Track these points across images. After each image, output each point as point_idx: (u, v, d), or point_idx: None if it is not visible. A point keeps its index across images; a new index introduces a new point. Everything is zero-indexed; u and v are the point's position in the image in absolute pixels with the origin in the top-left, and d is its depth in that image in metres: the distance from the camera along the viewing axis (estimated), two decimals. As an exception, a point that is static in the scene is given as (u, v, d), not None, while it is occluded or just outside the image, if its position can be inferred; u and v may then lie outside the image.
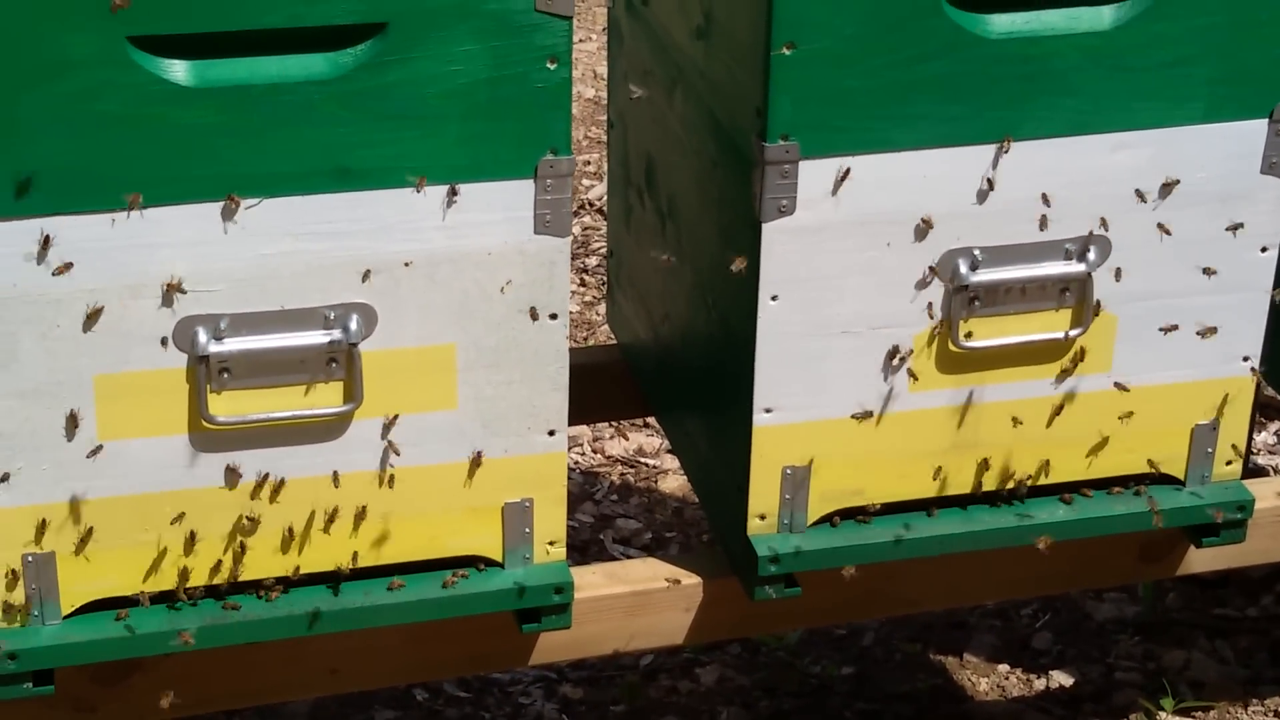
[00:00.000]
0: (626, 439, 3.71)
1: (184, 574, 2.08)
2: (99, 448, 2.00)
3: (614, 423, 3.70)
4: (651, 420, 3.60)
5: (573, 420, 2.15)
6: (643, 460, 3.67)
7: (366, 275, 2.00)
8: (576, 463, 3.65)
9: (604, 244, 4.28)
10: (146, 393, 1.99)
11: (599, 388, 2.70)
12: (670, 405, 2.58)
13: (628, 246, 2.67)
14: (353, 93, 1.92)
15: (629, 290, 2.69)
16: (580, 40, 5.39)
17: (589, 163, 4.67)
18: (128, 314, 1.96)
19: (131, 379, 1.98)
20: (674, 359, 2.50)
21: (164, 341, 1.97)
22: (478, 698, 3.10)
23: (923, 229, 2.13)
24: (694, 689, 3.10)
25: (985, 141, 2.10)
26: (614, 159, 2.69)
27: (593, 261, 4.28)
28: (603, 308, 4.06)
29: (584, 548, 3.40)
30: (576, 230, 4.37)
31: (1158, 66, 2.12)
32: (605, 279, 4.11)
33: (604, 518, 3.51)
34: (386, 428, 2.07)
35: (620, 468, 3.66)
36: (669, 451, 3.64)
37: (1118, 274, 2.21)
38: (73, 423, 1.98)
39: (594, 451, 3.70)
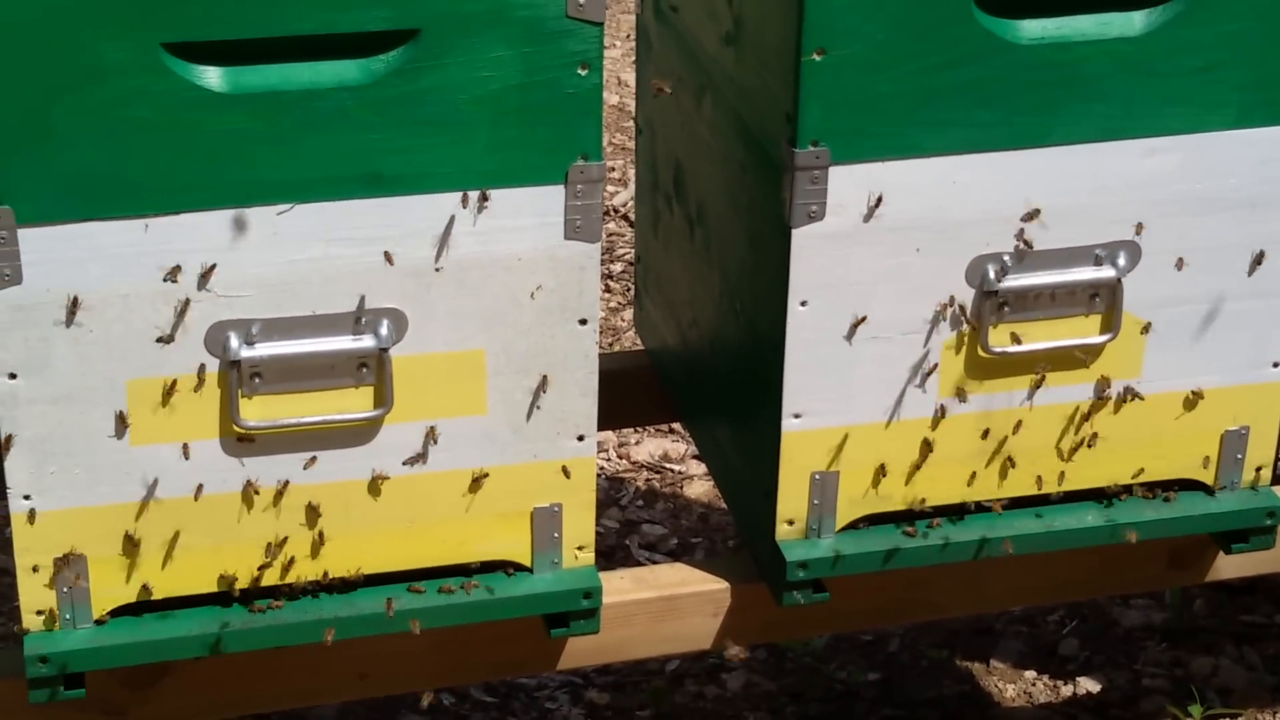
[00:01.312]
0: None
1: (213, 578, 2.08)
2: (130, 452, 2.00)
3: (639, 428, 3.71)
4: (677, 425, 3.60)
5: (599, 426, 2.15)
6: (668, 466, 3.67)
7: (397, 281, 2.00)
8: (602, 468, 3.65)
9: (628, 250, 4.29)
10: (178, 397, 2.00)
11: (625, 393, 2.70)
12: (697, 411, 2.58)
13: (655, 252, 2.67)
14: (385, 99, 1.93)
15: (656, 296, 2.69)
16: (605, 47, 5.39)
17: (613, 169, 4.67)
18: (160, 319, 1.96)
19: (163, 384, 1.99)
20: (702, 364, 2.50)
21: (196, 347, 1.98)
22: (504, 702, 3.10)
23: (952, 235, 2.13)
24: (720, 694, 3.10)
25: (1015, 147, 2.10)
26: (642, 165, 2.70)
27: (617, 268, 4.28)
28: (627, 314, 4.06)
29: (609, 553, 3.40)
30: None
31: (1188, 72, 2.12)
32: (629, 285, 4.12)
33: (629, 523, 3.51)
34: (416, 433, 2.07)
35: (646, 473, 3.66)
36: (694, 457, 3.64)
37: (1147, 279, 2.20)
38: (104, 427, 1.99)
39: (619, 457, 3.70)
